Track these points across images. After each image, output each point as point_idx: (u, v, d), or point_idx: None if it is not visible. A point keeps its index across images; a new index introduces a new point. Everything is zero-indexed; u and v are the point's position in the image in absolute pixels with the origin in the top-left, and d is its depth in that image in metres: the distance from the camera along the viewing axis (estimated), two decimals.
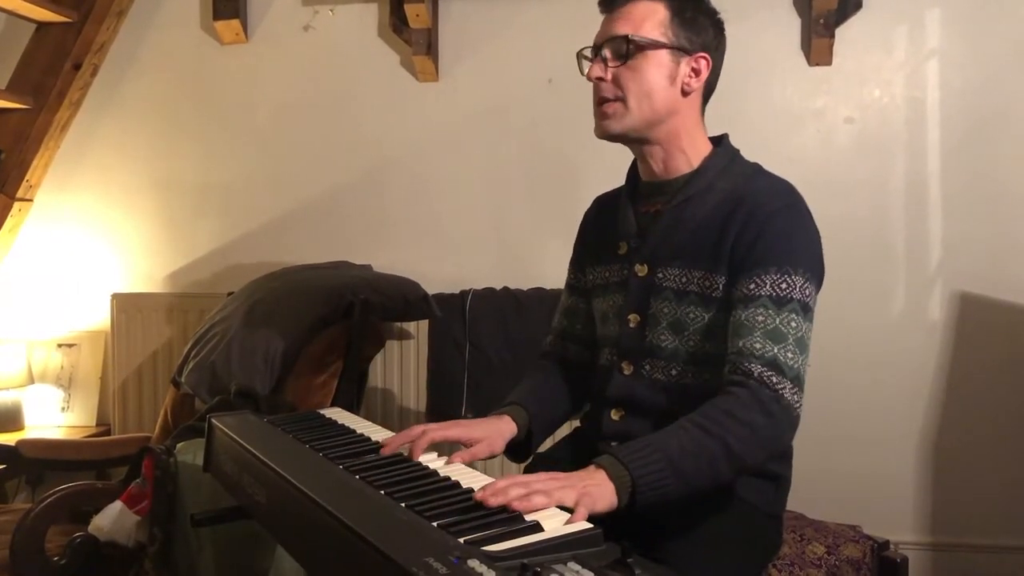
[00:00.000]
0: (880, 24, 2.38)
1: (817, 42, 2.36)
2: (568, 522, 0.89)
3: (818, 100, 2.43)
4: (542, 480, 0.97)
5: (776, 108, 2.44)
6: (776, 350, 1.13)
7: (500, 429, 1.28)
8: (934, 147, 2.37)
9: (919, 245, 2.38)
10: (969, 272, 2.36)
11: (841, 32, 2.37)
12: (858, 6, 2.36)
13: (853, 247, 2.35)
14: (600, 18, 1.32)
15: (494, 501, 0.91)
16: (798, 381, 1.14)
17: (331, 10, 2.66)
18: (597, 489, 0.99)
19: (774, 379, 1.12)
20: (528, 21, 2.54)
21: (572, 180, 2.49)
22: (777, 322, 1.15)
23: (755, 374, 1.12)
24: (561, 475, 1.01)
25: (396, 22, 2.57)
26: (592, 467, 1.04)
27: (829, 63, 2.40)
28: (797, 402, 1.13)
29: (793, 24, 2.42)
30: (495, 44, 2.58)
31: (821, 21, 2.34)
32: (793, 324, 1.15)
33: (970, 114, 2.35)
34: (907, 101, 2.39)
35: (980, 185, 2.35)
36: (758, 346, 1.14)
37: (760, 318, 1.15)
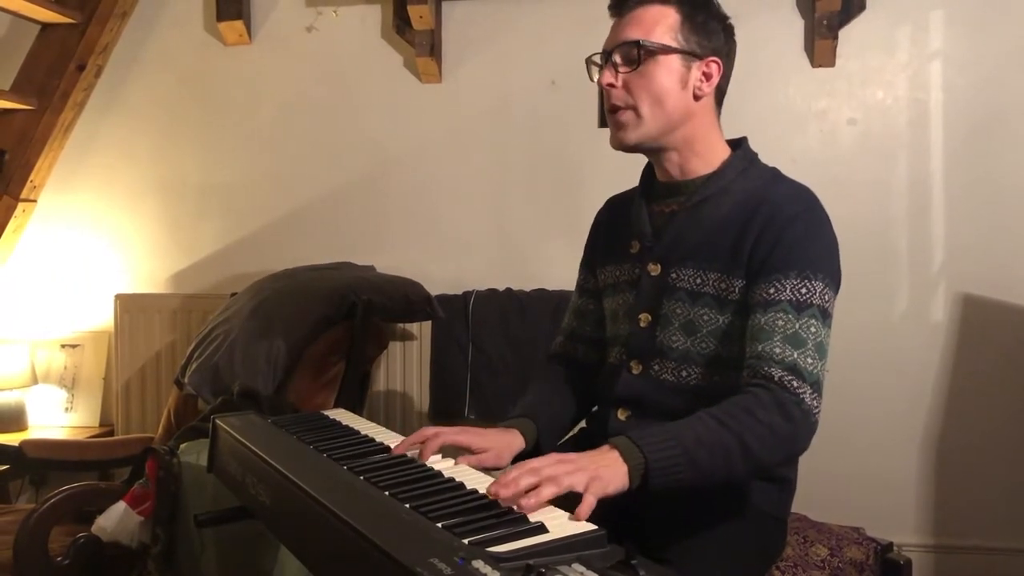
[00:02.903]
0: (883, 25, 2.38)
1: (820, 43, 2.36)
2: (578, 509, 0.90)
3: (821, 101, 2.43)
4: (551, 464, 0.97)
5: (779, 109, 2.44)
6: (796, 355, 1.13)
7: (510, 443, 1.27)
8: (937, 148, 2.37)
9: (922, 246, 2.38)
10: (972, 274, 2.35)
11: (844, 33, 2.37)
12: (861, 7, 2.36)
13: (856, 248, 2.32)
14: (604, 22, 1.32)
15: (505, 493, 0.92)
16: (817, 386, 1.14)
17: (334, 11, 2.66)
18: (608, 471, 1.00)
19: (794, 383, 1.12)
20: (531, 23, 2.54)
21: (575, 181, 2.49)
22: (797, 327, 1.15)
23: (775, 378, 1.12)
24: (572, 456, 1.00)
25: (399, 23, 2.57)
26: (606, 447, 1.04)
27: (832, 64, 2.40)
28: (816, 407, 1.13)
29: (796, 25, 2.42)
30: (498, 46, 2.58)
31: (824, 22, 2.34)
32: (813, 329, 1.15)
33: (973, 115, 2.35)
34: (910, 102, 2.38)
35: (983, 186, 2.34)
36: (778, 351, 1.14)
37: (780, 323, 1.15)
